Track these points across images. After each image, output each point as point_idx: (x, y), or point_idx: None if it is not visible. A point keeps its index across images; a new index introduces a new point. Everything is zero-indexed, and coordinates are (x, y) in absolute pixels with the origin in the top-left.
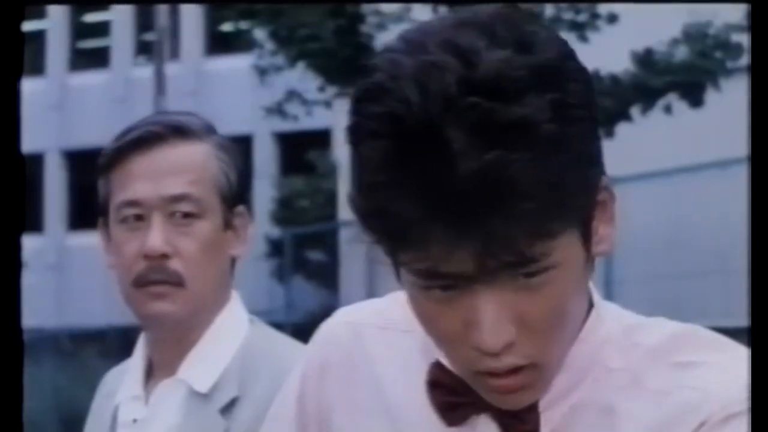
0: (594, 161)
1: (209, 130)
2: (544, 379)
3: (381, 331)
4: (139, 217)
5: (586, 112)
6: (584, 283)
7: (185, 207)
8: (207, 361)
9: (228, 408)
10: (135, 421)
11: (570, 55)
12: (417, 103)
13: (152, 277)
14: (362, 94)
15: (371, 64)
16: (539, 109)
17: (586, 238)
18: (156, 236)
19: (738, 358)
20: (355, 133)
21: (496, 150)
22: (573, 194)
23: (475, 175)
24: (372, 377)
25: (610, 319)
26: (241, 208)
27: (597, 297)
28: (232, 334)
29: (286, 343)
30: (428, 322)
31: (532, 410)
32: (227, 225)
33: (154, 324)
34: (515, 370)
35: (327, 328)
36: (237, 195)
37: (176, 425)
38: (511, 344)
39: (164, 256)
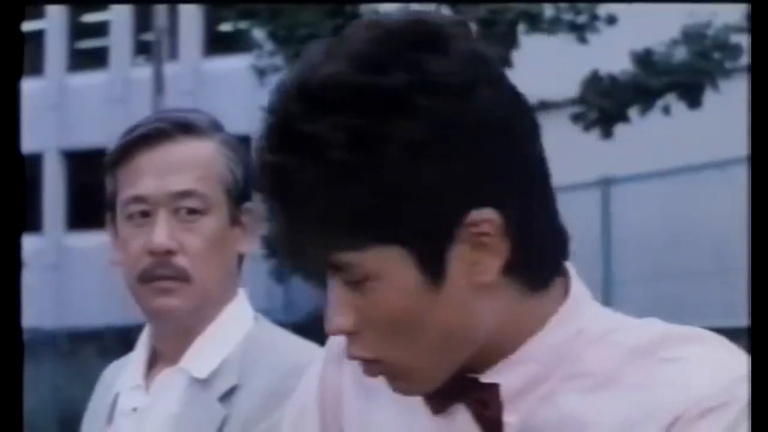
0: (441, 198)
1: (215, 127)
2: (411, 376)
3: None
4: (144, 213)
5: (428, 149)
6: (462, 299)
7: (190, 203)
8: (208, 351)
9: (227, 396)
10: (135, 409)
11: (434, 89)
12: (271, 103)
13: (158, 272)
14: None
15: None
16: (331, 131)
17: (431, 262)
18: (161, 232)
19: (719, 352)
20: None
21: (282, 153)
22: (369, 220)
23: (263, 169)
24: None
25: (590, 316)
26: (249, 205)
27: (579, 293)
28: (235, 327)
29: (288, 338)
30: None
31: (495, 397)
32: (234, 221)
33: (160, 318)
34: (369, 362)
35: None
36: (244, 192)
37: (176, 414)
38: (354, 334)
39: (169, 252)
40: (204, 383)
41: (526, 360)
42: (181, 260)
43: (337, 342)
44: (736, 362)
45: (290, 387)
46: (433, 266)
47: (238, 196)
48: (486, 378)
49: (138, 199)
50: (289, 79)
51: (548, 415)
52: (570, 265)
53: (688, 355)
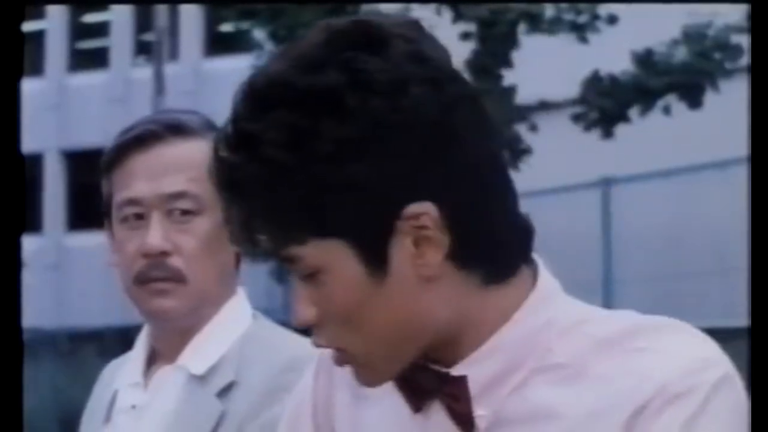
0: (375, 193)
1: (209, 127)
2: (368, 366)
3: None
4: (139, 216)
5: (361, 147)
6: (409, 290)
7: (184, 204)
8: (206, 348)
9: (224, 392)
10: (133, 407)
11: (366, 88)
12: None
13: (152, 274)
14: None
15: None
16: (269, 129)
17: (372, 255)
18: (155, 234)
19: (684, 340)
20: None
21: (227, 150)
22: (304, 215)
23: (213, 164)
24: None
25: (559, 308)
26: None
27: (547, 285)
28: (233, 325)
29: (286, 335)
30: None
31: (464, 390)
32: None
33: (157, 320)
34: (336, 351)
35: None
36: None
37: (174, 410)
38: (316, 325)
39: (164, 254)
40: (201, 379)
41: (493, 352)
42: (175, 261)
43: None
44: (701, 347)
45: (287, 382)
46: (374, 259)
47: None
48: (455, 371)
49: (131, 201)
50: (248, 79)
51: (519, 407)
52: (538, 258)
53: (654, 345)
